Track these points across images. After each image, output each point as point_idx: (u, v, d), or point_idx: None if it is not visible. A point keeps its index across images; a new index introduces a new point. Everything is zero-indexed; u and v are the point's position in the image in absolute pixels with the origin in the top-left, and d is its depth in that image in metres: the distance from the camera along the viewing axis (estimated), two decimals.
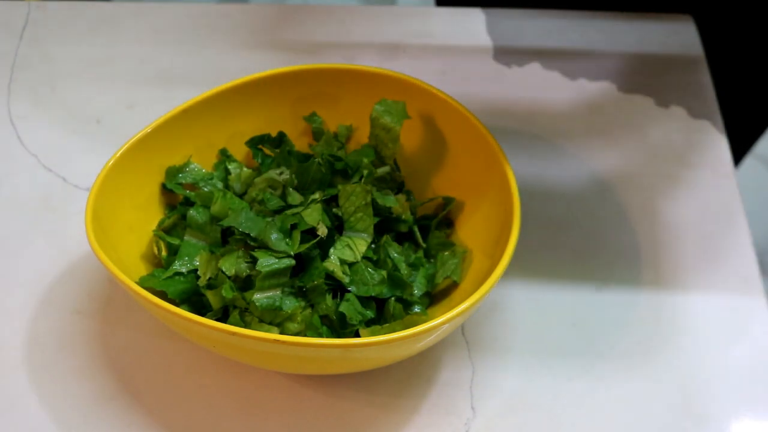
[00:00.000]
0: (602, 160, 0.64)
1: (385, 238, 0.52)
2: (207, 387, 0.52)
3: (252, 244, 0.50)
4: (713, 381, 0.53)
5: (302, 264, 0.50)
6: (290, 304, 0.49)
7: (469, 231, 0.55)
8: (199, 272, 0.49)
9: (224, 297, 0.48)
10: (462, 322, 0.53)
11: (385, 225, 0.53)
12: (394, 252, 0.52)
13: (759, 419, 0.52)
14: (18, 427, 0.50)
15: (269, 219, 0.51)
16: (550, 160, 0.64)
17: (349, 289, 0.50)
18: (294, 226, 0.50)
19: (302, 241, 0.50)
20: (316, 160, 0.53)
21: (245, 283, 0.49)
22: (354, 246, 0.51)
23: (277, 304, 0.48)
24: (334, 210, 0.52)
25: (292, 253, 0.49)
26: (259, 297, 0.48)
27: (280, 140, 0.57)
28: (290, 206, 0.52)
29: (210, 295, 0.49)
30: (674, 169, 0.64)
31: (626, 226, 0.60)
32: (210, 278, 0.49)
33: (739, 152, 0.85)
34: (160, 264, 0.52)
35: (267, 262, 0.48)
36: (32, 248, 0.57)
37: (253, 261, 0.49)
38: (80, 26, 0.71)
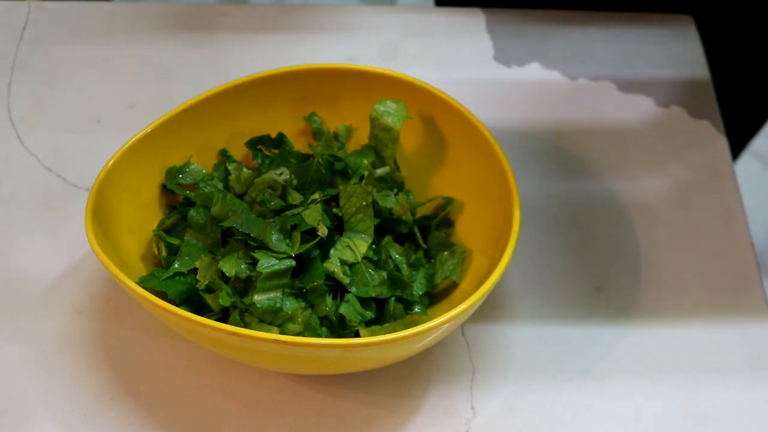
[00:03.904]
0: (602, 160, 0.64)
1: (387, 239, 0.52)
2: (207, 387, 0.52)
3: (252, 244, 0.50)
4: (713, 381, 0.53)
5: (302, 265, 0.50)
6: (290, 305, 0.49)
7: (469, 231, 0.55)
8: (198, 276, 0.49)
9: (221, 304, 0.48)
10: (462, 322, 0.53)
11: (385, 226, 0.53)
12: (396, 253, 0.52)
13: (758, 419, 0.52)
14: (18, 427, 0.50)
15: (270, 220, 0.51)
16: (550, 160, 0.64)
17: (350, 290, 0.50)
18: (294, 227, 0.50)
19: (302, 242, 0.50)
20: (316, 160, 0.53)
21: (245, 284, 0.49)
22: (355, 247, 0.51)
23: (278, 305, 0.48)
24: (335, 210, 0.52)
25: (292, 254, 0.49)
26: (259, 298, 0.48)
27: (280, 141, 0.56)
28: (290, 206, 0.52)
29: (209, 299, 0.49)
30: (674, 169, 0.64)
31: (626, 226, 0.60)
32: (209, 282, 0.49)
33: (735, 149, 0.85)
34: (160, 264, 0.52)
35: (267, 263, 0.48)
36: (32, 248, 0.57)
37: (254, 262, 0.49)
38: (80, 26, 0.71)
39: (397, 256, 0.52)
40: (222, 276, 0.49)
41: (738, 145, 0.86)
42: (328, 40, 0.71)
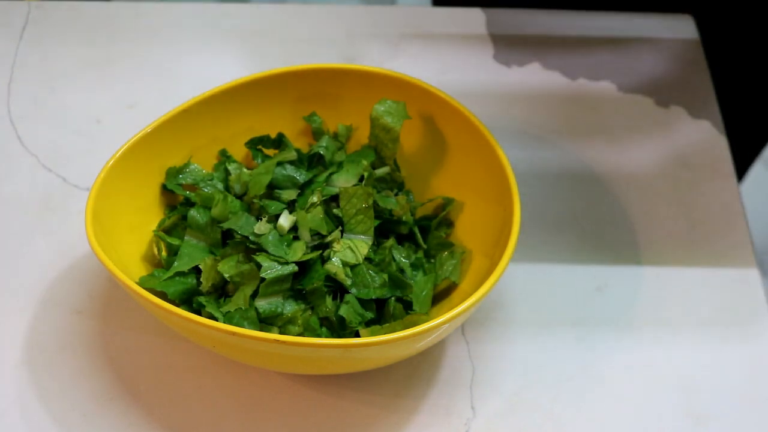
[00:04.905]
0: (602, 160, 0.64)
1: (391, 241, 0.52)
2: (207, 387, 0.52)
3: (251, 247, 0.50)
4: (713, 381, 0.53)
5: (302, 266, 0.50)
6: (290, 307, 0.49)
7: (468, 231, 0.55)
8: (202, 278, 0.49)
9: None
10: (462, 322, 0.53)
11: (385, 226, 0.53)
12: (401, 257, 0.52)
13: (758, 419, 0.52)
14: (18, 427, 0.50)
15: (270, 225, 0.51)
16: (550, 161, 0.64)
17: (351, 291, 0.50)
18: (296, 238, 0.50)
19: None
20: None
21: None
22: (356, 248, 0.51)
23: (279, 310, 0.48)
24: (335, 211, 0.52)
25: (292, 260, 0.49)
26: (261, 303, 0.48)
27: (280, 141, 0.57)
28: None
29: (211, 309, 0.49)
30: (674, 169, 0.64)
31: (626, 226, 0.60)
32: (213, 284, 0.49)
33: (746, 159, 0.85)
34: (160, 264, 0.52)
35: (271, 269, 0.48)
36: (32, 248, 0.57)
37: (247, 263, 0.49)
38: (80, 26, 0.71)
39: (403, 259, 0.52)
40: (221, 279, 0.49)
41: (748, 155, 0.85)
42: (327, 40, 0.71)
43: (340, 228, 0.51)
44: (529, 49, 0.71)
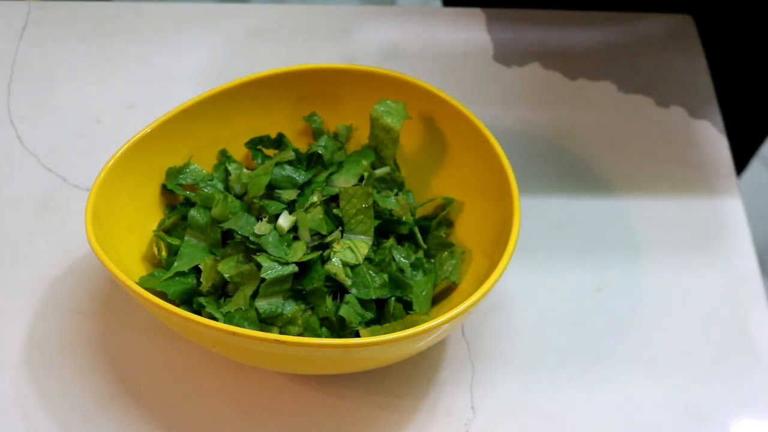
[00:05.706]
0: (602, 160, 0.64)
1: (391, 241, 0.52)
2: (207, 387, 0.52)
3: (251, 247, 0.50)
4: (713, 381, 0.53)
5: (302, 266, 0.50)
6: (290, 307, 0.49)
7: (468, 231, 0.55)
8: (202, 278, 0.49)
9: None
10: (462, 322, 0.53)
11: (385, 226, 0.53)
12: (401, 257, 0.52)
13: (758, 419, 0.52)
14: (18, 427, 0.50)
15: (271, 225, 0.51)
16: (550, 160, 0.64)
17: (351, 291, 0.50)
18: (296, 238, 0.50)
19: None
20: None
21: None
22: (356, 248, 0.51)
23: (279, 310, 0.48)
24: (335, 211, 0.52)
25: (292, 261, 0.49)
26: (261, 304, 0.48)
27: (280, 141, 0.57)
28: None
29: (211, 309, 0.49)
30: (674, 169, 0.64)
31: (626, 226, 0.60)
32: (213, 284, 0.49)
33: (744, 157, 0.85)
34: (160, 264, 0.52)
35: (271, 269, 0.48)
36: (32, 248, 0.57)
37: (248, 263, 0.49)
38: (80, 26, 0.71)
39: (402, 259, 0.52)
40: (221, 279, 0.50)
41: (746, 152, 0.85)
42: (327, 40, 0.71)
43: (340, 228, 0.51)
44: (529, 49, 0.71)
